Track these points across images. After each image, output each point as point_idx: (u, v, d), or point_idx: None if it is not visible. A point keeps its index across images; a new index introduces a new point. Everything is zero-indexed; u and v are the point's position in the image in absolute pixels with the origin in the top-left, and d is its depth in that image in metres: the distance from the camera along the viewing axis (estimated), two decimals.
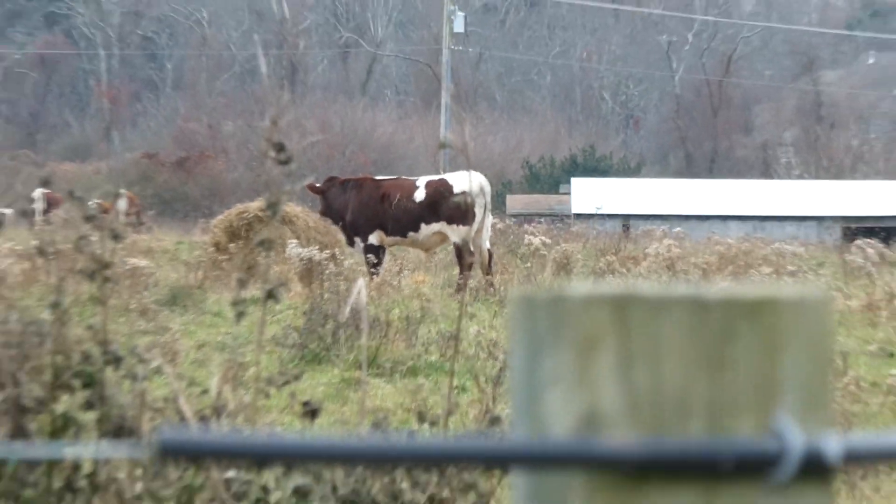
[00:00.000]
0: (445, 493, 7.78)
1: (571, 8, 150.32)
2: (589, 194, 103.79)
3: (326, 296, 27.10)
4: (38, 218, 50.95)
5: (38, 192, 61.86)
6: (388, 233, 39.99)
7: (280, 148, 9.90)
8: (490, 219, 41.24)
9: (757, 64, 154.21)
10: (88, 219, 9.01)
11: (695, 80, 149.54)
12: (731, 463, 1.79)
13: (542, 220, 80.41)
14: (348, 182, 41.81)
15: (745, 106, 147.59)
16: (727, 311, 1.81)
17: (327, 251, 32.41)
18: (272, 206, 10.19)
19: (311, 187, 40.62)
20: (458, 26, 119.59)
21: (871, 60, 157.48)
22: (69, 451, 7.41)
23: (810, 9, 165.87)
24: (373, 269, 36.27)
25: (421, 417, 9.82)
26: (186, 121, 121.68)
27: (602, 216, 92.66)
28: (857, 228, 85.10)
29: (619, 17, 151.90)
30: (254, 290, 10.50)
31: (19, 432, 7.92)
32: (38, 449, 7.35)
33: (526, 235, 51.51)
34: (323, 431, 11.48)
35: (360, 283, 14.90)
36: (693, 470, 1.70)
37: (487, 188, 39.41)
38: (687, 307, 1.82)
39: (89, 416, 8.18)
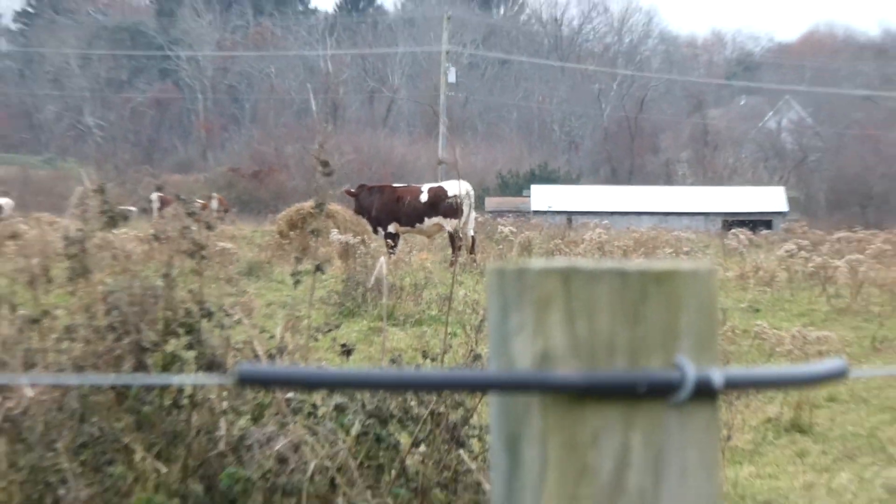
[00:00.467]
0: (442, 408, 7.84)
1: (531, 65, 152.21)
2: (543, 197, 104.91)
3: (358, 269, 27.77)
4: (155, 213, 51.39)
5: (154, 195, 63.26)
6: (401, 224, 40.97)
7: (325, 164, 10.19)
8: (473, 214, 42.00)
9: (662, 104, 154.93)
10: (190, 214, 9.28)
11: (618, 116, 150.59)
12: (645, 388, 1.80)
13: (511, 215, 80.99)
14: (374, 188, 43.11)
15: (654, 134, 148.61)
16: (641, 279, 1.82)
17: (359, 237, 32.86)
18: (319, 205, 10.48)
19: (347, 192, 41.93)
20: (451, 78, 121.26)
21: (742, 102, 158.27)
22: (175, 379, 7.71)
23: (699, 65, 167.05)
24: (391, 250, 36.83)
25: (424, 355, 10.00)
26: (259, 145, 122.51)
27: (553, 212, 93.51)
28: (733, 221, 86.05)
29: (565, 72, 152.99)
30: (306, 265, 10.61)
31: (140, 366, 8.09)
32: (154, 378, 7.65)
33: (499, 226, 52.34)
34: (355, 365, 11.57)
35: (382, 260, 15.02)
36: (618, 393, 1.70)
37: (471, 192, 40.48)
38: (612, 276, 1.81)
39: (189, 354, 8.37)
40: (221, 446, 7.88)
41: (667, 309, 1.85)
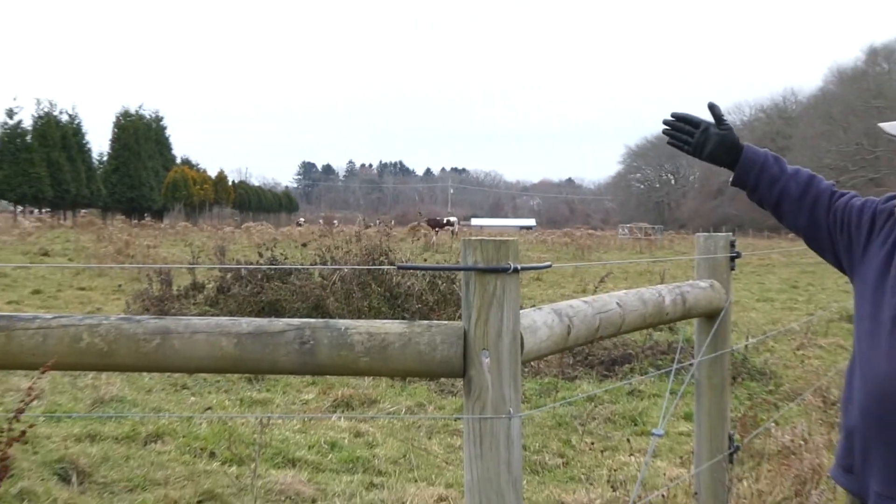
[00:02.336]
0: (450, 275, 7.53)
1: (474, 189, 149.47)
2: (475, 221, 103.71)
3: (428, 240, 26.76)
4: (374, 226, 49.42)
5: (378, 221, 57.48)
6: (440, 228, 39.45)
7: (420, 214, 9.99)
8: (457, 226, 41.43)
9: (503, 201, 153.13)
10: (385, 225, 9.04)
11: (492, 202, 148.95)
12: (500, 270, 1.73)
13: (466, 226, 79.66)
14: (432, 218, 42.55)
15: (502, 206, 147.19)
16: (500, 241, 1.70)
17: (425, 231, 32.24)
18: (418, 223, 10.16)
19: (426, 220, 40.56)
20: (451, 192, 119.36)
21: (522, 198, 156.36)
22: (383, 268, 7.59)
23: (512, 187, 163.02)
24: (435, 235, 35.78)
25: (445, 262, 9.73)
26: (405, 210, 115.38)
27: (478, 226, 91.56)
28: (522, 227, 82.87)
29: (481, 190, 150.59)
30: (416, 239, 10.31)
31: (374, 262, 7.77)
32: (376, 267, 7.03)
33: (463, 229, 50.80)
34: (428, 263, 11.34)
35: (434, 238, 14.43)
36: (494, 271, 1.62)
37: (457, 220, 40.51)
38: (493, 241, 1.69)
39: (385, 260, 8.02)
40: (394, 284, 7.60)
41: (507, 249, 1.74)
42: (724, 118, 1.60)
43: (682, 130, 1.62)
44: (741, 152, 1.58)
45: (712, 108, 1.61)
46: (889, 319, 1.35)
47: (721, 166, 1.62)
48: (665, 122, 1.66)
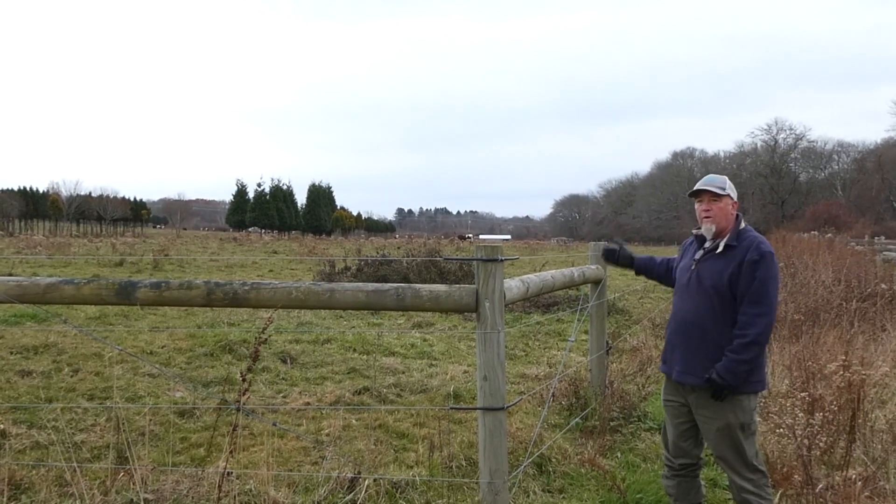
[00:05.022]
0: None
1: (481, 221, 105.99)
2: (485, 236, 78.51)
3: (458, 244, 22.05)
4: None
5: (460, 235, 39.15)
6: (464, 240, 33.37)
7: (454, 233, 8.95)
8: (473, 238, 37.30)
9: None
10: (445, 238, 7.28)
11: (490, 228, 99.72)
12: (494, 260, 1.58)
13: (478, 239, 61.66)
14: (460, 235, 37.93)
15: (491, 231, 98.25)
16: (494, 246, 1.58)
17: (461, 238, 28.32)
18: (453, 238, 9.16)
19: (457, 236, 36.98)
20: (469, 222, 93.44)
21: (509, 227, 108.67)
22: (438, 259, 5.65)
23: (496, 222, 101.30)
24: (462, 243, 28.55)
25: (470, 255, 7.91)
26: (449, 231, 73.17)
27: (483, 238, 69.41)
28: (503, 240, 56.24)
29: (485, 221, 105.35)
30: (460, 241, 9.21)
31: (436, 254, 6.23)
32: (432, 258, 5.32)
33: (478, 240, 43.89)
34: (466, 254, 8.82)
35: (461, 244, 12.83)
36: (492, 261, 1.45)
37: (472, 235, 37.24)
38: (490, 246, 1.60)
39: (440, 251, 6.66)
40: (442, 266, 6.18)
41: (497, 249, 1.62)
42: (625, 246, 1.95)
43: (610, 253, 1.97)
44: (634, 260, 1.91)
45: (619, 243, 1.98)
46: (679, 286, 1.64)
47: (627, 268, 1.93)
48: (603, 250, 2.03)
